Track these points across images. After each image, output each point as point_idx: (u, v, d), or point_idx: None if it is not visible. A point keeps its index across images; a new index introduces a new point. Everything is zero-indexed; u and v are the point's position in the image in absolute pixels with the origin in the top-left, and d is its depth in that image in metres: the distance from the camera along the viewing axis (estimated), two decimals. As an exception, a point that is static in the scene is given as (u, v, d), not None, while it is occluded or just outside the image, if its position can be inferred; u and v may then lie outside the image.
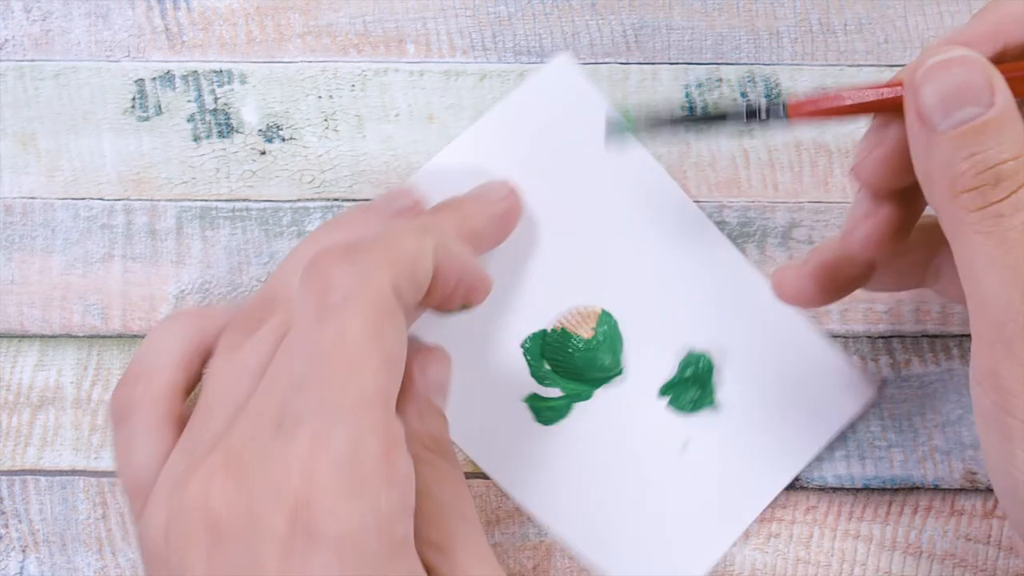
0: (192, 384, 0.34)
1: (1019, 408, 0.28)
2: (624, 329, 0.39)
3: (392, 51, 0.40)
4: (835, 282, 0.36)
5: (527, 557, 0.39)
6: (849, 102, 0.31)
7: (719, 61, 0.40)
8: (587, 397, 0.39)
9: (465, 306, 0.34)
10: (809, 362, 0.39)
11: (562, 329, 0.39)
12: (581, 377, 0.39)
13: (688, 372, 0.39)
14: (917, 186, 0.30)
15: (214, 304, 0.40)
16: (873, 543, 0.39)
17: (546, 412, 0.39)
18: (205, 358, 0.34)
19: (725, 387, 0.39)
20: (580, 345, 0.39)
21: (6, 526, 0.39)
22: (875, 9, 0.40)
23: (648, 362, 0.39)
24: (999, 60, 0.30)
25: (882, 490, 0.39)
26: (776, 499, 0.39)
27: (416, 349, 0.35)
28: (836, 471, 0.39)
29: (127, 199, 0.40)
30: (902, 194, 0.33)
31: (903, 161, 0.31)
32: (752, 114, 0.33)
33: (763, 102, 0.33)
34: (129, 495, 0.33)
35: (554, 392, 0.39)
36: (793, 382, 0.39)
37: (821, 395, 0.39)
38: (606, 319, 0.39)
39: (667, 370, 0.39)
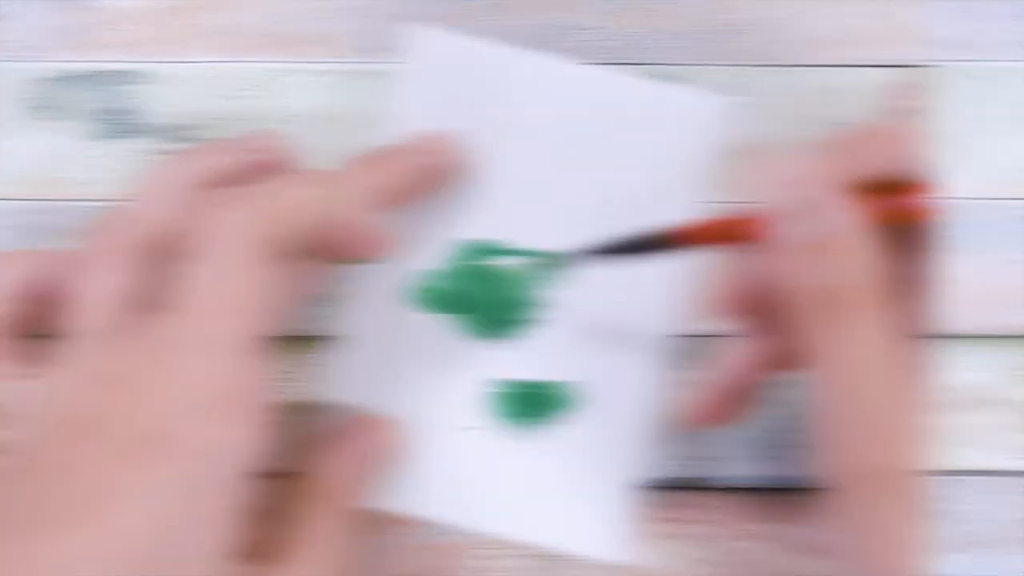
0: (29, 317, 0.35)
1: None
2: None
3: (299, 51, 0.40)
4: (744, 400, 0.36)
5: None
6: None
7: (631, 62, 0.39)
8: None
9: (363, 260, 0.34)
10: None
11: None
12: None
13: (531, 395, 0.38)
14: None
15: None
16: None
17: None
18: (40, 292, 0.35)
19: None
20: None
21: None
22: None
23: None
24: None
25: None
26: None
27: (367, 420, 0.37)
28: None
29: (29, 199, 0.40)
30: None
31: (751, 291, 0.32)
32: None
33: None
34: None
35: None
36: None
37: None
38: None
39: None
